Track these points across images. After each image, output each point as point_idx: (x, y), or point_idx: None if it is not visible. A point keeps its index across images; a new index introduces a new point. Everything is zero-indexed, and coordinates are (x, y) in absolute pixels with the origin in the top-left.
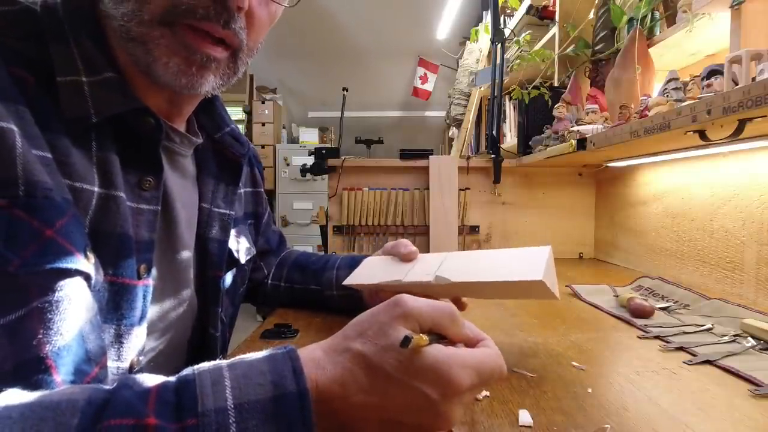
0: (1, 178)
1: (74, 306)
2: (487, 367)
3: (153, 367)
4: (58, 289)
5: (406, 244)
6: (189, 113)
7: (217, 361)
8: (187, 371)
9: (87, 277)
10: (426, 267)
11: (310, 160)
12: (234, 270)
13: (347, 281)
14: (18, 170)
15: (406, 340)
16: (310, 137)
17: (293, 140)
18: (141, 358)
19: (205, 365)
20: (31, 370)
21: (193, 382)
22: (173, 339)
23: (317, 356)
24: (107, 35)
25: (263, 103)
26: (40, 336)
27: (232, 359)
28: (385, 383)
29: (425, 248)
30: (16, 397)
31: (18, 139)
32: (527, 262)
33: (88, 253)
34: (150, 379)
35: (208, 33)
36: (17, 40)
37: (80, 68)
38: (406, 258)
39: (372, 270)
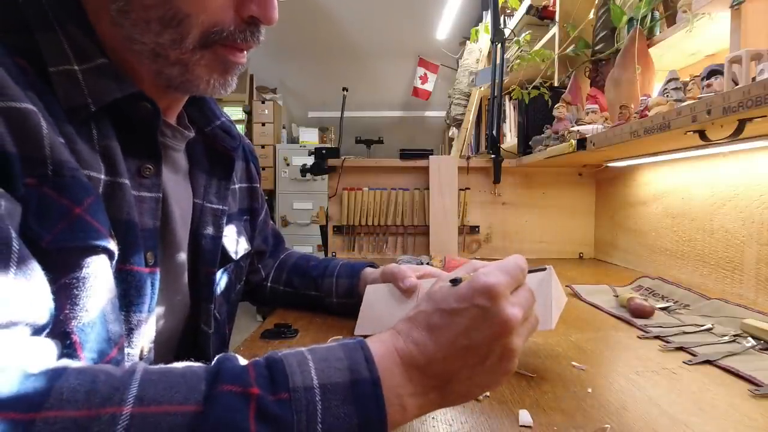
0: (31, 158)
1: (99, 284)
2: (506, 264)
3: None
4: (85, 265)
5: (404, 276)
6: (180, 106)
7: (294, 349)
8: (268, 354)
9: (111, 256)
10: None
11: (310, 160)
12: (229, 267)
13: (358, 330)
14: (46, 150)
15: (456, 281)
16: (310, 137)
17: (293, 140)
18: (150, 345)
19: (282, 351)
20: (57, 345)
21: (281, 361)
22: (165, 332)
23: (392, 333)
24: (94, 22)
25: (263, 103)
26: (67, 311)
27: (309, 346)
28: (446, 319)
29: (425, 248)
30: (141, 365)
31: (41, 119)
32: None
33: (111, 232)
34: (237, 358)
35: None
36: (3, 33)
37: (71, 56)
38: (408, 293)
39: (378, 311)
